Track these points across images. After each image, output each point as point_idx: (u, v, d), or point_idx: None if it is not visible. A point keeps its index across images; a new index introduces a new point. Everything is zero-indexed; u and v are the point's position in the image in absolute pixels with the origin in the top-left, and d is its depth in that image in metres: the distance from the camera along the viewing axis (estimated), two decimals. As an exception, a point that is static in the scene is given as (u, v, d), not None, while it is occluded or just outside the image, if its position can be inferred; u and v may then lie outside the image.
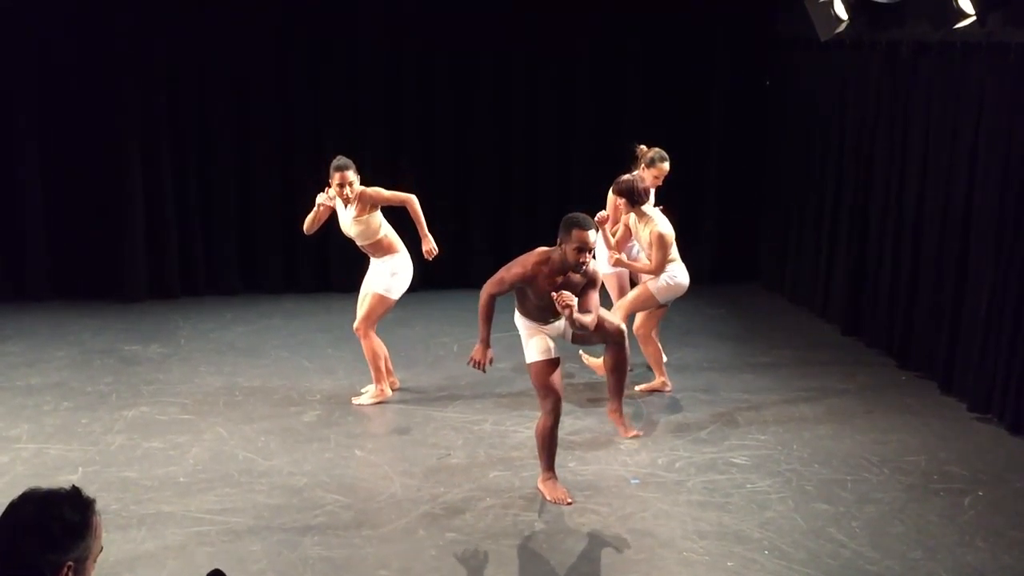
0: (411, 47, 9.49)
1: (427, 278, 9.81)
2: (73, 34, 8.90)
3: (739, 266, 10.16)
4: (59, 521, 2.24)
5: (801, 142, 9.36)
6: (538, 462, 5.43)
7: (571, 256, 5.01)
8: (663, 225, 6.64)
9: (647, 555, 4.74)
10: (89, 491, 5.41)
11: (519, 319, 5.44)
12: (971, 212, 6.80)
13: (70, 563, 2.21)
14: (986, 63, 6.61)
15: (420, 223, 6.59)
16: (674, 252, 6.69)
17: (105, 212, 9.20)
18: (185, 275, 9.46)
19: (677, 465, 5.80)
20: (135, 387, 6.98)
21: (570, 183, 9.88)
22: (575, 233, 4.98)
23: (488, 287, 5.28)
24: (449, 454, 5.96)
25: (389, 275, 6.58)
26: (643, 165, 6.98)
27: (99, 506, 5.20)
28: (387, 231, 6.62)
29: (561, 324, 5.34)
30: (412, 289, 9.65)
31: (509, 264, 5.28)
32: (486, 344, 5.31)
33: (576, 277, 5.14)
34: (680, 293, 6.80)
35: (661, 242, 6.59)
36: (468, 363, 5.40)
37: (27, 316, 8.65)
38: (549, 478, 5.35)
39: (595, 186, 9.49)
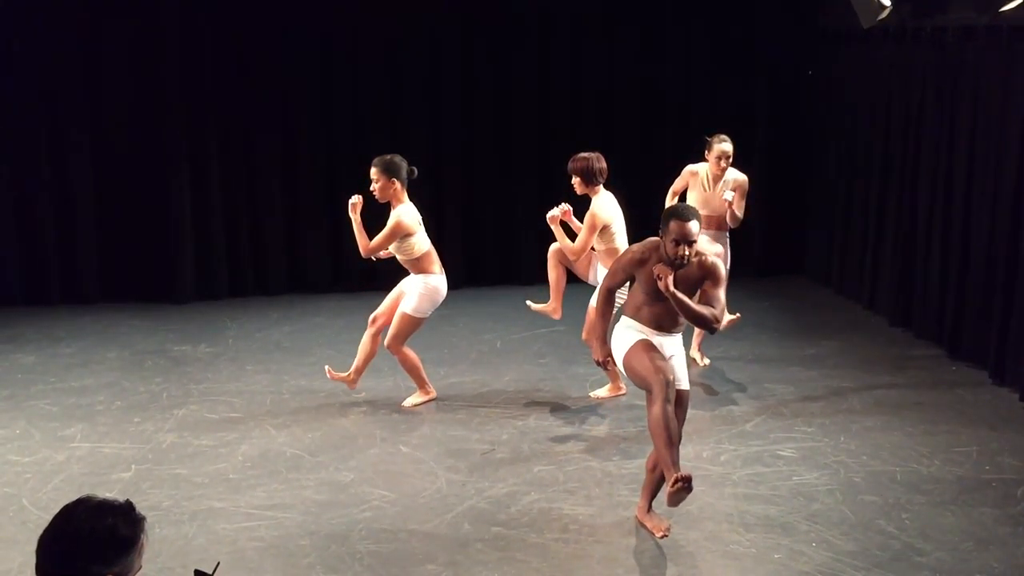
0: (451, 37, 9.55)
1: (472, 275, 9.89)
2: (123, 42, 9.06)
3: (785, 259, 10.08)
4: (110, 533, 2.24)
5: (847, 133, 9.25)
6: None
7: (669, 249, 4.62)
8: (604, 209, 6.43)
9: (693, 548, 4.72)
10: (142, 488, 5.54)
11: (625, 324, 4.89)
12: (1021, 200, 6.68)
13: (110, 574, 2.22)
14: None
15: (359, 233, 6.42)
16: (618, 240, 6.45)
17: (154, 216, 9.36)
18: (232, 276, 9.60)
19: (723, 458, 5.77)
20: (185, 386, 7.10)
21: (616, 176, 9.86)
22: (672, 224, 4.60)
23: (603, 282, 5.05)
24: (493, 449, 5.98)
25: (418, 294, 6.44)
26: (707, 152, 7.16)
27: (152, 503, 5.30)
28: (425, 250, 6.45)
29: (675, 343, 4.87)
30: (456, 287, 9.76)
31: (620, 255, 5.14)
32: (602, 341, 4.99)
33: (691, 271, 4.70)
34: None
35: (591, 222, 6.41)
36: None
37: (79, 318, 8.83)
38: (673, 483, 4.45)
39: (638, 177, 9.53)
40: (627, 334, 4.83)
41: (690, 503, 5.13)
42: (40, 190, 9.15)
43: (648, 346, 4.73)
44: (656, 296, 4.68)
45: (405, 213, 6.33)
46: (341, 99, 9.49)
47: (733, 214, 7.00)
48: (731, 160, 7.09)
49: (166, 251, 9.42)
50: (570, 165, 6.54)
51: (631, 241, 6.60)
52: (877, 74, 8.66)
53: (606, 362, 5.02)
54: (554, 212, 6.53)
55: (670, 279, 4.53)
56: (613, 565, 4.60)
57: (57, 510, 2.35)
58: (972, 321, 7.29)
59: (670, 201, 7.19)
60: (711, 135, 7.18)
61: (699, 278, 4.73)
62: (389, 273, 9.51)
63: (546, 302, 6.86)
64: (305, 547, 4.79)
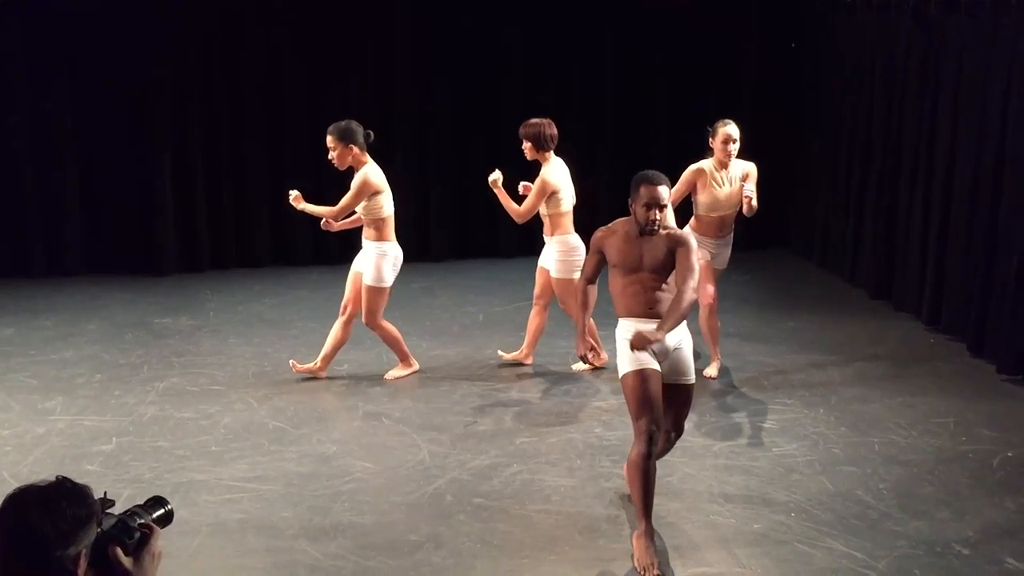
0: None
1: (455, 249, 9.88)
2: (104, 13, 8.96)
3: (768, 233, 10.11)
4: (72, 521, 2.15)
5: (830, 106, 9.26)
6: (562, 423, 5.43)
7: (640, 215, 4.55)
8: (554, 175, 6.42)
9: (674, 518, 4.76)
10: (123, 460, 5.53)
11: (620, 325, 4.64)
12: (1002, 174, 6.71)
13: (83, 550, 2.15)
14: (1017, 19, 6.50)
15: (317, 210, 6.43)
16: (564, 206, 6.45)
17: (135, 188, 9.31)
18: (214, 248, 9.55)
19: (703, 430, 5.80)
20: (166, 359, 7.07)
21: (599, 151, 9.87)
22: (643, 189, 4.54)
23: (579, 278, 5.00)
24: (476, 422, 6.00)
25: (375, 264, 6.36)
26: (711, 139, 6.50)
27: (133, 475, 5.29)
28: (389, 213, 6.39)
29: (676, 333, 4.54)
30: (440, 260, 9.80)
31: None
32: (582, 336, 4.84)
33: (658, 245, 4.58)
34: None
35: (541, 187, 6.40)
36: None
37: (60, 291, 8.78)
38: (642, 532, 4.36)
39: (623, 156, 9.53)
40: (626, 352, 4.46)
41: (671, 474, 5.17)
42: (21, 163, 9.07)
43: (645, 379, 4.39)
44: (630, 268, 4.60)
45: (371, 172, 6.29)
46: (327, 69, 9.43)
47: (750, 205, 6.33)
48: (738, 144, 6.43)
49: (148, 223, 9.37)
50: (521, 130, 6.52)
51: (579, 207, 6.62)
52: (861, 48, 8.66)
53: (585, 357, 4.90)
54: (495, 176, 6.50)
55: (651, 347, 4.33)
56: (595, 536, 4.63)
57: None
58: (951, 294, 7.34)
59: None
60: (711, 125, 6.53)
61: (669, 250, 4.58)
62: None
63: (517, 349, 6.95)
64: (288, 519, 4.80)
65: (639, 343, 4.31)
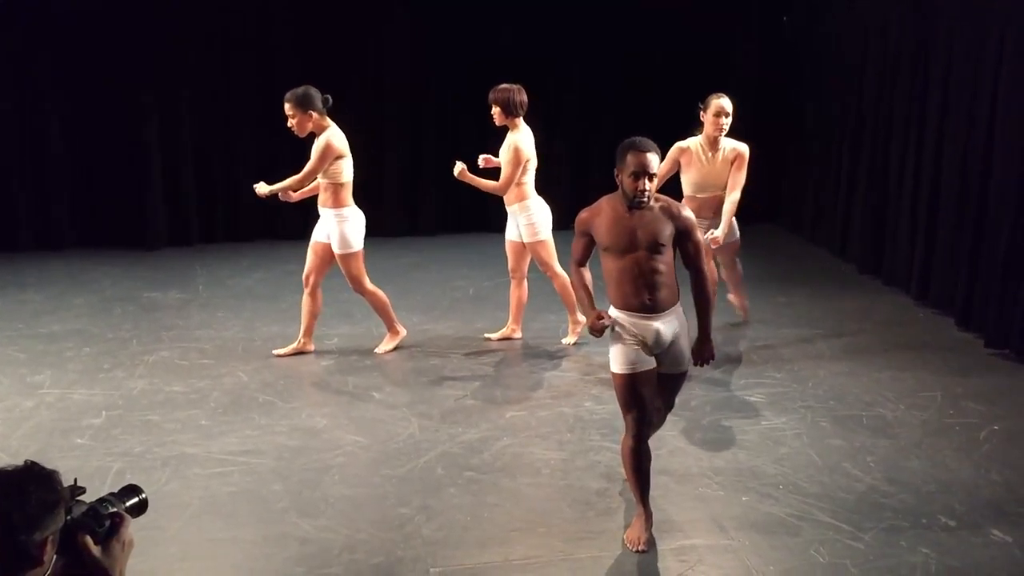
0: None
1: (445, 223, 9.87)
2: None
3: (759, 207, 10.10)
4: (40, 506, 2.12)
5: (822, 81, 9.25)
6: (553, 400, 5.44)
7: (627, 185, 4.11)
8: (526, 143, 6.37)
9: (663, 491, 4.79)
10: (113, 434, 5.52)
11: (613, 312, 4.28)
12: (992, 149, 6.72)
13: (49, 537, 2.13)
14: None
15: (282, 185, 6.32)
16: (528, 175, 6.43)
17: (124, 161, 9.26)
18: (203, 222, 9.52)
19: (693, 403, 5.82)
20: (155, 333, 7.06)
21: (596, 151, 9.88)
22: (629, 156, 4.10)
23: (571, 261, 4.45)
24: (466, 395, 6.01)
25: (340, 231, 6.27)
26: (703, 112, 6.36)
27: (123, 448, 5.28)
28: (350, 179, 6.28)
29: (671, 325, 4.24)
30: (430, 234, 9.78)
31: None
32: (591, 306, 4.26)
33: (655, 218, 4.17)
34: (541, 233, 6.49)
35: (515, 156, 6.33)
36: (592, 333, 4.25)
37: (47, 264, 8.74)
38: (638, 515, 4.36)
39: (623, 128, 9.48)
40: (619, 349, 4.22)
41: (660, 447, 5.19)
42: (10, 136, 9.00)
43: (636, 382, 4.20)
44: (622, 249, 4.17)
45: (333, 135, 6.18)
46: (317, 45, 9.36)
47: (715, 241, 6.21)
48: (730, 119, 6.25)
49: (137, 197, 9.32)
50: (491, 95, 6.45)
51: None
52: (853, 25, 8.64)
53: (602, 326, 4.19)
54: (458, 169, 6.41)
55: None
56: (585, 509, 4.65)
57: (28, 456, 2.31)
58: (940, 268, 7.37)
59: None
60: (704, 100, 6.37)
61: (665, 224, 4.17)
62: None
63: (503, 327, 6.94)
64: (278, 492, 4.81)
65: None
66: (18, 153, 9.05)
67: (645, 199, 4.13)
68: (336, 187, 6.26)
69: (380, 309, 6.66)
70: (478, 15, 9.57)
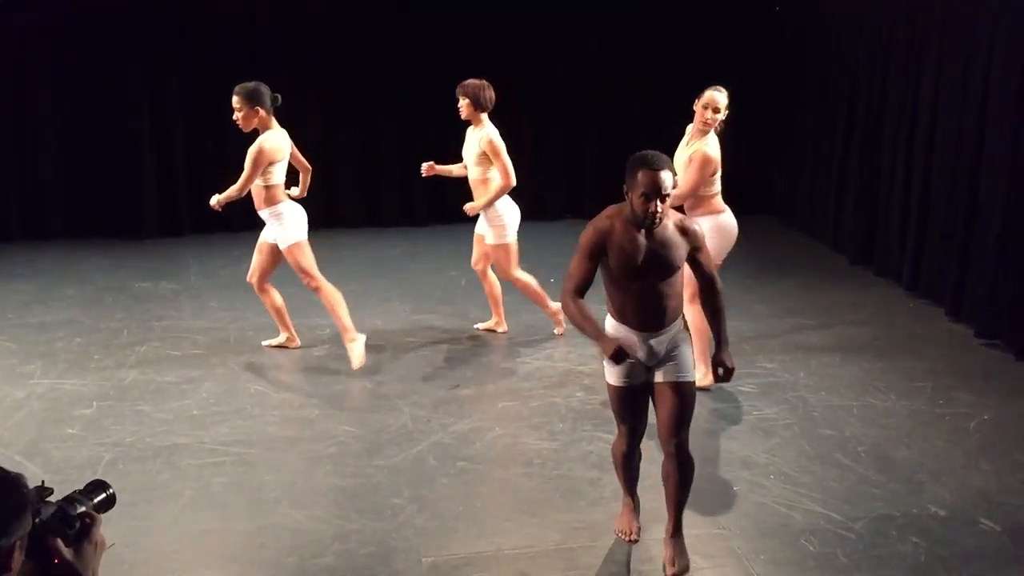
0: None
1: (437, 214, 9.85)
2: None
3: (751, 198, 10.10)
4: (4, 511, 2.01)
5: (814, 72, 9.24)
6: (546, 391, 5.43)
7: (637, 205, 3.72)
8: (496, 135, 6.34)
9: (654, 481, 4.77)
10: (104, 424, 5.51)
11: (609, 323, 4.04)
12: (984, 139, 6.74)
13: (16, 542, 2.03)
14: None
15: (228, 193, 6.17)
16: (493, 171, 6.37)
17: (116, 150, 9.22)
18: (195, 212, 9.48)
19: (684, 394, 5.83)
20: (146, 323, 7.05)
21: (594, 151, 9.87)
22: (640, 175, 3.70)
23: (565, 286, 3.91)
24: (458, 385, 6.02)
25: (280, 226, 6.17)
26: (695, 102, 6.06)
27: (115, 439, 5.27)
28: (281, 181, 6.18)
29: (667, 338, 3.98)
30: (422, 224, 9.76)
31: (577, 248, 3.92)
32: (600, 335, 3.82)
33: (672, 240, 3.84)
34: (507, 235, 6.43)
35: (496, 148, 6.28)
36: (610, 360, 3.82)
37: (38, 254, 8.71)
38: (625, 504, 4.37)
39: (623, 128, 9.49)
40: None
41: (652, 437, 5.19)
42: (0, 125, 8.96)
43: (629, 396, 4.04)
44: (634, 277, 3.84)
45: (267, 139, 6.04)
46: (311, 35, 9.33)
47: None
48: (720, 115, 5.68)
49: (128, 187, 9.29)
50: (460, 89, 6.43)
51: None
52: (846, 14, 8.63)
53: (624, 358, 3.77)
54: (425, 167, 6.50)
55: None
56: (576, 498, 4.67)
57: (19, 447, 2.28)
58: (931, 259, 7.39)
59: None
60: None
61: (679, 248, 3.86)
62: (349, 210, 9.47)
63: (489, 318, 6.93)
64: (271, 483, 4.81)
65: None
66: (8, 142, 9.00)
67: (657, 222, 3.76)
68: (268, 188, 6.13)
69: (333, 309, 6.29)
70: (478, 15, 9.53)
